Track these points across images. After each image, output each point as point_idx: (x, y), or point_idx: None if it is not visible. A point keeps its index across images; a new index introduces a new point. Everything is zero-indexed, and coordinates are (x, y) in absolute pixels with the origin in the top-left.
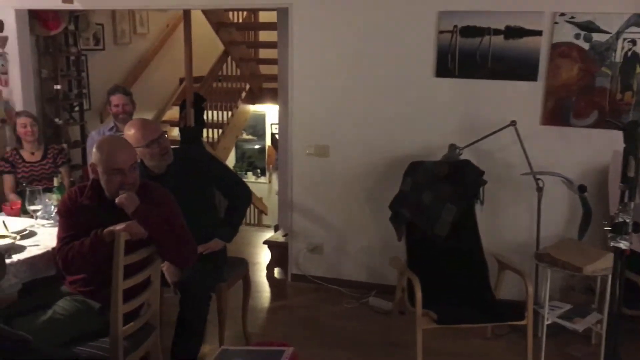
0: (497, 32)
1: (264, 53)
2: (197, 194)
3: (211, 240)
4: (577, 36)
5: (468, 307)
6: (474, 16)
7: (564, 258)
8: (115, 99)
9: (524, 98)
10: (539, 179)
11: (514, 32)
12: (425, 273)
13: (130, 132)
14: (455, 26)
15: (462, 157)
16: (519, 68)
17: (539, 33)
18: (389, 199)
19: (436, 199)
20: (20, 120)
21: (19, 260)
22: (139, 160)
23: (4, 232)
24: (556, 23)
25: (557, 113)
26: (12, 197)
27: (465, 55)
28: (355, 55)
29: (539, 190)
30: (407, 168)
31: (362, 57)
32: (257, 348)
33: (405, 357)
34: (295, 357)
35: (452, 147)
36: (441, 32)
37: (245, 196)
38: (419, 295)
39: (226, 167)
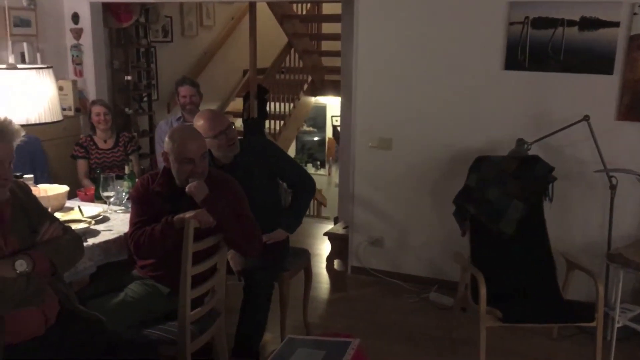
0: (571, 23)
1: (326, 45)
2: (262, 185)
3: (275, 230)
4: None
5: (534, 306)
6: (547, 7)
7: (638, 259)
8: (183, 90)
9: (598, 92)
10: (612, 176)
11: (589, 24)
12: (490, 270)
13: (199, 123)
14: (527, 17)
15: (531, 152)
16: (594, 61)
17: (616, 24)
18: (452, 193)
19: (503, 195)
20: (95, 109)
21: (93, 244)
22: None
23: (79, 216)
24: (635, 14)
25: (633, 108)
26: (85, 182)
27: (537, 48)
28: (421, 47)
29: (612, 188)
30: (472, 163)
31: (428, 49)
32: (323, 338)
33: (468, 354)
34: (361, 349)
35: (520, 142)
36: (511, 23)
37: (309, 187)
38: (483, 292)
39: (291, 158)
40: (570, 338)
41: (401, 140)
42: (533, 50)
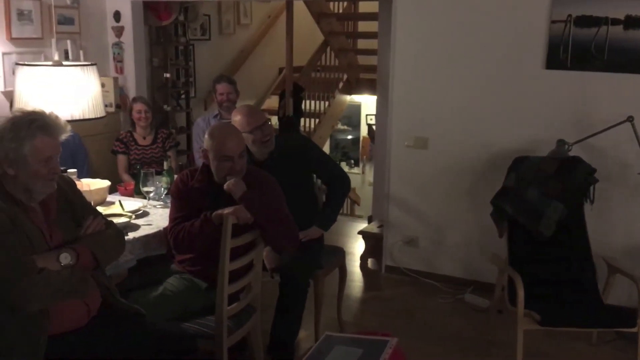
0: (615, 21)
1: (362, 43)
2: (298, 182)
3: (310, 227)
4: None
5: (573, 309)
6: (591, 5)
7: None
8: (221, 87)
9: None
10: None
11: (634, 22)
12: (528, 272)
13: (236, 118)
14: (570, 15)
15: (571, 153)
16: (639, 60)
17: None
18: (489, 193)
19: (542, 196)
20: (137, 107)
21: (134, 238)
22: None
23: (120, 211)
24: None
25: None
26: (125, 177)
27: (579, 47)
28: (460, 45)
29: None
30: (511, 163)
31: (467, 48)
32: (361, 336)
33: (503, 357)
34: (399, 348)
35: (561, 142)
36: (553, 21)
37: (345, 185)
38: (521, 294)
39: (327, 155)
40: (609, 344)
41: (438, 140)
42: (575, 49)
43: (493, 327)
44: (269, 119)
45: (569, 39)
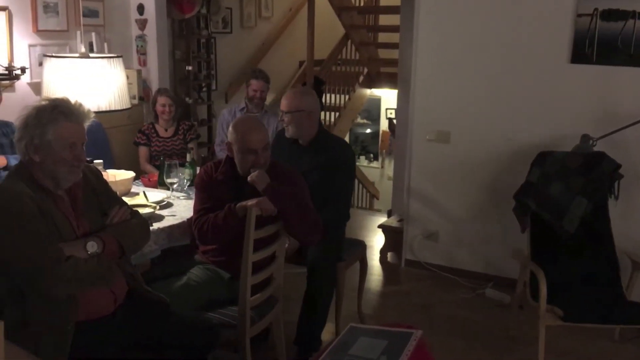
0: None
1: (383, 37)
2: (321, 178)
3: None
4: None
5: (597, 306)
6: None
7: None
8: (256, 83)
9: None
10: None
11: None
12: (550, 267)
13: (285, 97)
14: (596, 9)
15: (596, 148)
16: None
17: None
18: (511, 188)
19: (566, 191)
20: (161, 100)
21: (158, 229)
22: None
23: (145, 201)
24: None
25: None
26: (147, 167)
27: (605, 41)
28: (483, 39)
29: None
30: (535, 158)
31: (491, 41)
32: (385, 328)
33: (525, 353)
34: (423, 340)
35: (585, 137)
36: (579, 15)
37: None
38: (543, 289)
39: (347, 189)
40: (633, 341)
41: (460, 134)
42: (601, 43)
43: (514, 322)
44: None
45: (595, 32)
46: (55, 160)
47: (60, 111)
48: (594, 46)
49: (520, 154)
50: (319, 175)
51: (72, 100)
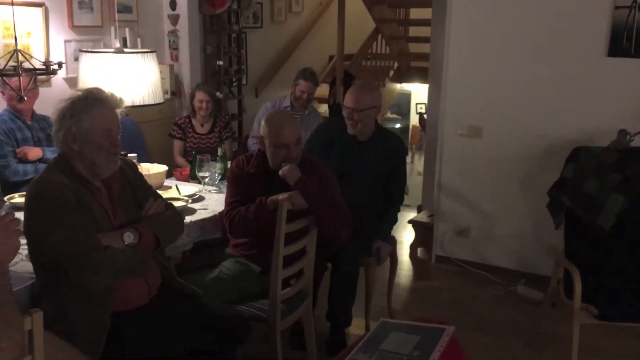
0: None
1: (414, 31)
2: (382, 172)
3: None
4: None
5: (633, 304)
6: None
7: None
8: (306, 85)
9: None
10: None
11: None
12: (585, 265)
13: (350, 92)
14: (635, 1)
15: (633, 144)
16: None
17: None
18: (545, 184)
19: (602, 187)
20: (199, 95)
21: (190, 222)
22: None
23: (177, 195)
24: None
25: None
26: (180, 160)
27: None
28: (517, 32)
29: None
30: (570, 153)
31: (525, 35)
32: (417, 323)
33: (557, 351)
34: (455, 336)
35: (622, 133)
36: (617, 7)
37: (400, 204)
38: (578, 287)
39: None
40: None
41: (492, 129)
42: None
43: (547, 320)
44: (379, 106)
45: (634, 25)
46: (93, 148)
47: (93, 98)
48: (632, 39)
49: (554, 149)
50: (382, 168)
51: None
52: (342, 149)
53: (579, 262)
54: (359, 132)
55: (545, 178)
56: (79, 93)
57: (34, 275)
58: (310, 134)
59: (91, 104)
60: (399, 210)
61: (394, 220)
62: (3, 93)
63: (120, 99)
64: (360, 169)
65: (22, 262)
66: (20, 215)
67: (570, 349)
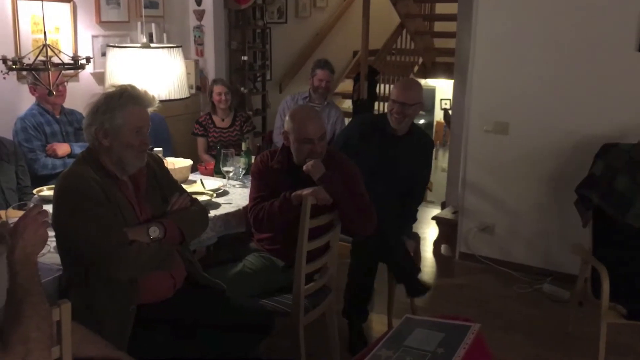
0: None
1: (439, 26)
2: (412, 167)
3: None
4: None
5: None
6: None
7: None
8: (322, 73)
9: None
10: None
11: None
12: (613, 263)
13: (396, 87)
14: None
15: None
16: None
17: None
18: (572, 181)
19: (632, 185)
20: (217, 89)
21: (215, 216)
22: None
23: (202, 189)
24: None
25: None
26: (205, 157)
27: None
28: (546, 26)
29: None
30: (599, 150)
31: (554, 29)
32: (441, 320)
33: (584, 350)
34: (481, 334)
35: None
36: None
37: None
38: (606, 286)
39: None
40: None
41: (519, 125)
42: None
43: (573, 319)
44: (421, 102)
45: None
46: (123, 145)
47: (128, 96)
48: None
49: (582, 146)
50: (413, 163)
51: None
52: (379, 143)
53: (607, 261)
54: (402, 127)
55: (573, 175)
56: (113, 89)
57: (61, 267)
58: (346, 127)
59: (126, 101)
60: (418, 208)
61: (415, 217)
62: (34, 89)
63: (154, 98)
64: (395, 163)
65: (49, 254)
66: (48, 207)
67: (596, 348)
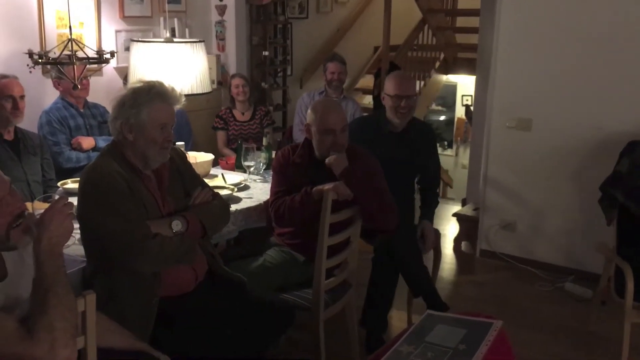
0: None
1: (461, 21)
2: (417, 161)
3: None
4: None
5: None
6: None
7: None
8: (333, 66)
9: None
10: None
11: None
12: (638, 262)
13: (390, 80)
14: None
15: None
16: None
17: None
18: (597, 178)
19: None
20: (234, 82)
21: (236, 210)
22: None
23: (223, 184)
24: None
25: None
26: (226, 151)
27: None
28: (571, 21)
29: None
30: (624, 147)
31: (579, 24)
32: (463, 317)
33: (606, 350)
34: (504, 331)
35: None
36: None
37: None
38: (630, 285)
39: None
40: None
41: (542, 121)
42: None
43: (596, 318)
44: (417, 94)
45: None
46: (147, 140)
47: (156, 92)
48: None
49: (607, 143)
50: (417, 156)
51: (165, 84)
52: (381, 143)
53: (632, 259)
54: (404, 122)
55: (597, 172)
56: (142, 84)
57: (85, 259)
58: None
59: (153, 97)
60: (438, 193)
61: (436, 201)
62: (58, 83)
63: (181, 95)
64: (398, 159)
65: (74, 246)
66: (72, 200)
67: (619, 348)
